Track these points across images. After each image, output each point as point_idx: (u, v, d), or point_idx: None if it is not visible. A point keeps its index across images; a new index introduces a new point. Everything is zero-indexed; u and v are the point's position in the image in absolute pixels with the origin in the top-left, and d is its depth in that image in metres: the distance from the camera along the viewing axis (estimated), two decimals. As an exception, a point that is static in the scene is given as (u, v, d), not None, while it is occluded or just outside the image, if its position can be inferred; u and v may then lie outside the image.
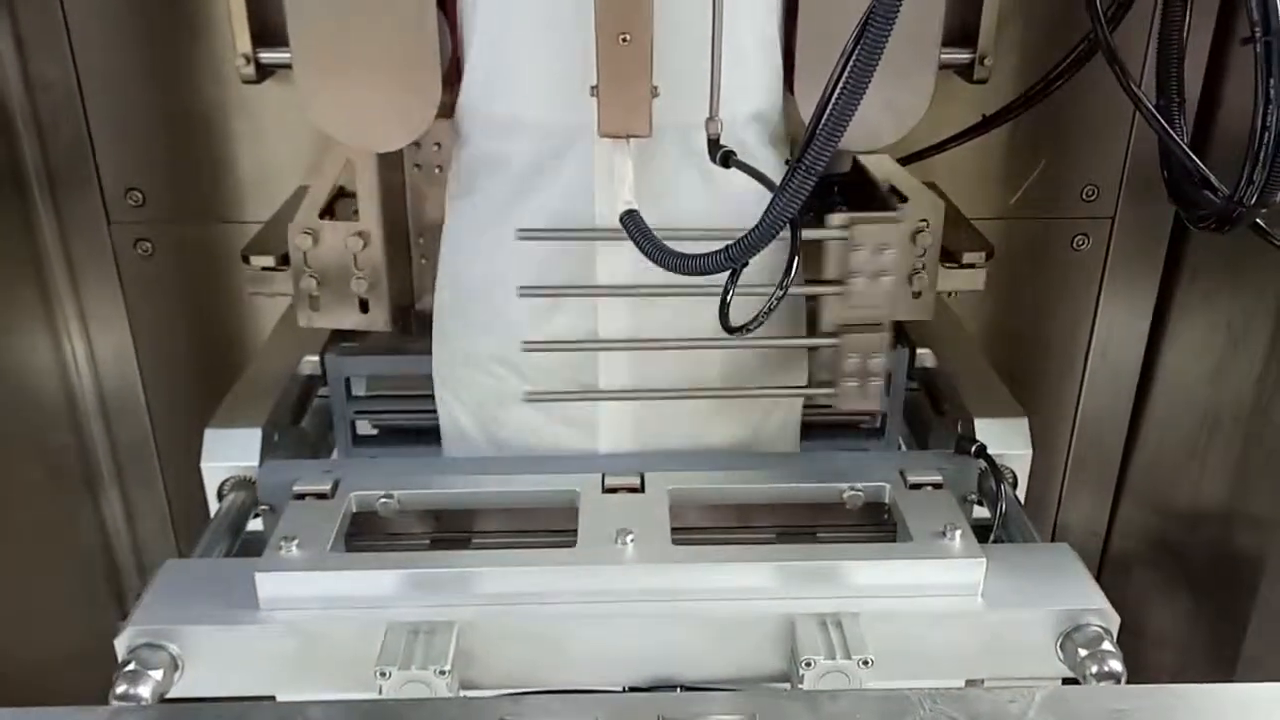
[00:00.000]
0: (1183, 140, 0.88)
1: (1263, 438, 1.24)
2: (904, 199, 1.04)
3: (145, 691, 0.77)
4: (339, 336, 1.19)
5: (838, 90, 0.72)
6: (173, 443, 1.52)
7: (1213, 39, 1.25)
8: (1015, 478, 1.05)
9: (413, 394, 1.12)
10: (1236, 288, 1.30)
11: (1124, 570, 1.56)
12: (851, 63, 0.71)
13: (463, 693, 0.81)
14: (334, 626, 0.81)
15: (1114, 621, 0.82)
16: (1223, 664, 1.30)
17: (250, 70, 1.03)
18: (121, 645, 0.80)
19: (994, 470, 0.98)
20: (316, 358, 1.14)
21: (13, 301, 1.35)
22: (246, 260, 1.10)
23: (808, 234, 0.89)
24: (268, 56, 1.03)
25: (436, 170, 1.12)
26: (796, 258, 0.80)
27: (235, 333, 1.46)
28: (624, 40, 0.80)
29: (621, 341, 0.97)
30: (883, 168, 1.10)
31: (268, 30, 1.00)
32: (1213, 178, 0.87)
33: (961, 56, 1.10)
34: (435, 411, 1.08)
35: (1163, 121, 0.87)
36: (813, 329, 0.99)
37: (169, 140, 1.35)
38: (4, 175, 1.32)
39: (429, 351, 1.06)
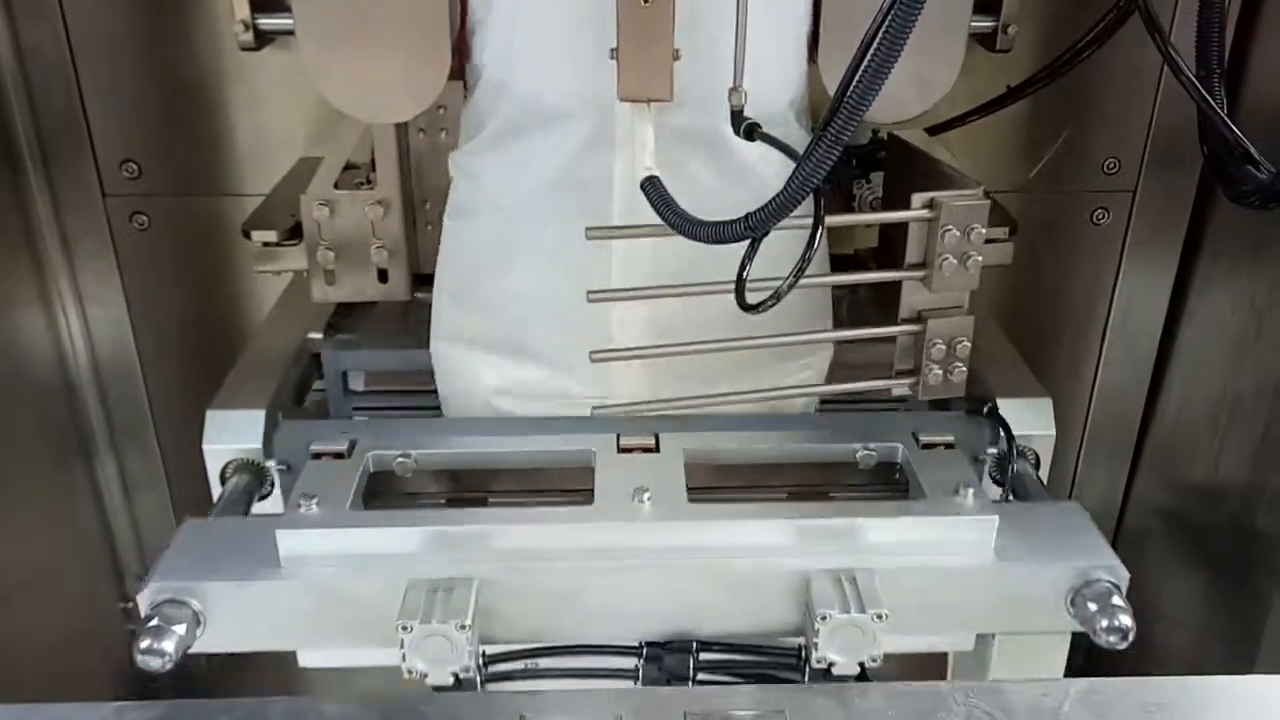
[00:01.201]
0: (1223, 112, 0.84)
1: (1287, 417, 1.22)
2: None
3: (169, 646, 0.77)
4: (342, 312, 1.17)
5: (867, 59, 0.69)
6: (170, 417, 1.49)
7: (1241, 8, 1.21)
8: (1038, 458, 1.03)
9: (411, 389, 1.11)
10: (1260, 263, 1.27)
11: (1139, 547, 1.54)
12: (883, 30, 0.68)
13: (482, 648, 0.81)
14: (354, 583, 0.82)
15: (1123, 577, 0.82)
16: (1240, 646, 1.28)
17: (249, 37, 1.00)
18: (144, 601, 0.80)
19: (1005, 431, 0.97)
20: (320, 335, 1.12)
21: (6, 276, 1.32)
22: (248, 235, 1.08)
23: (890, 216, 0.87)
24: (267, 22, 1.00)
25: (442, 134, 1.09)
26: (820, 229, 0.77)
27: (233, 307, 1.43)
28: (646, 1, 0.77)
29: (678, 345, 0.94)
30: (916, 142, 1.07)
31: (267, -5, 0.97)
32: (1255, 153, 0.84)
33: (985, 25, 1.07)
34: (434, 407, 1.07)
35: (1204, 93, 0.84)
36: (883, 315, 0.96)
37: (165, 110, 1.32)
38: (-3, 147, 1.28)
39: (425, 344, 1.04)
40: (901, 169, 1.08)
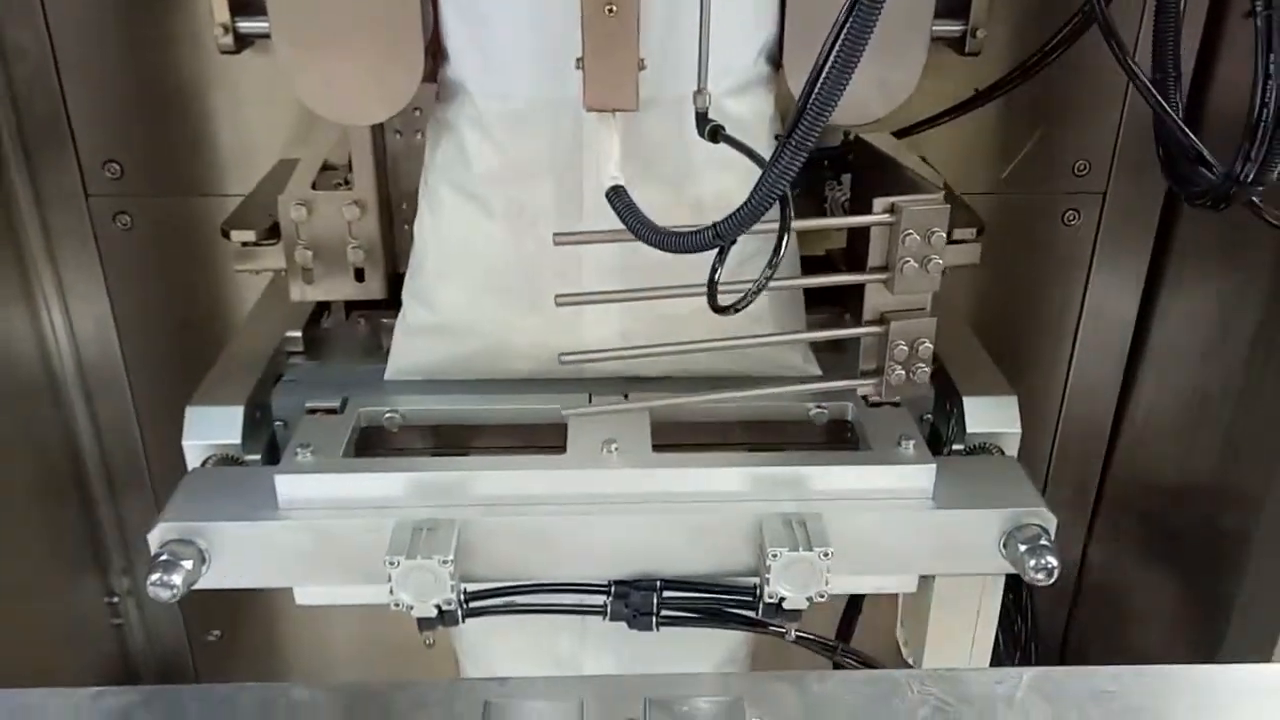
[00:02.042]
0: (1178, 115, 0.86)
1: (1252, 416, 1.23)
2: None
3: (178, 579, 0.85)
4: (321, 310, 1.18)
5: (828, 64, 0.71)
6: (154, 415, 1.50)
7: (1208, 12, 1.23)
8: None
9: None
10: (1228, 265, 1.29)
11: (1111, 545, 1.56)
12: (843, 35, 0.69)
13: (464, 585, 0.88)
14: (346, 524, 0.89)
15: (1051, 522, 0.90)
16: (1206, 643, 1.30)
17: (229, 40, 1.02)
18: (154, 539, 0.87)
19: (949, 389, 1.03)
20: (299, 333, 1.13)
21: (-10, 276, 1.33)
22: (227, 235, 1.09)
23: (852, 221, 0.91)
24: (246, 26, 1.01)
25: (418, 136, 1.10)
26: (786, 235, 0.79)
27: (216, 306, 1.44)
28: (610, 11, 0.78)
29: (648, 348, 0.96)
30: (882, 145, 1.08)
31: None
32: (1207, 154, 0.86)
33: (953, 29, 1.09)
34: None
35: (1158, 96, 0.86)
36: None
37: (147, 111, 1.33)
38: (-22, 147, 1.29)
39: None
40: (867, 172, 1.09)
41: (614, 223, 0.84)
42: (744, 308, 0.80)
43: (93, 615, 1.59)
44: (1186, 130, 0.85)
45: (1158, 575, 1.44)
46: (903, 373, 0.93)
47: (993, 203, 1.39)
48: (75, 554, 1.55)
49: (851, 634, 1.33)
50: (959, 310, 1.24)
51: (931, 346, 0.93)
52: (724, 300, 0.82)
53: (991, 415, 1.04)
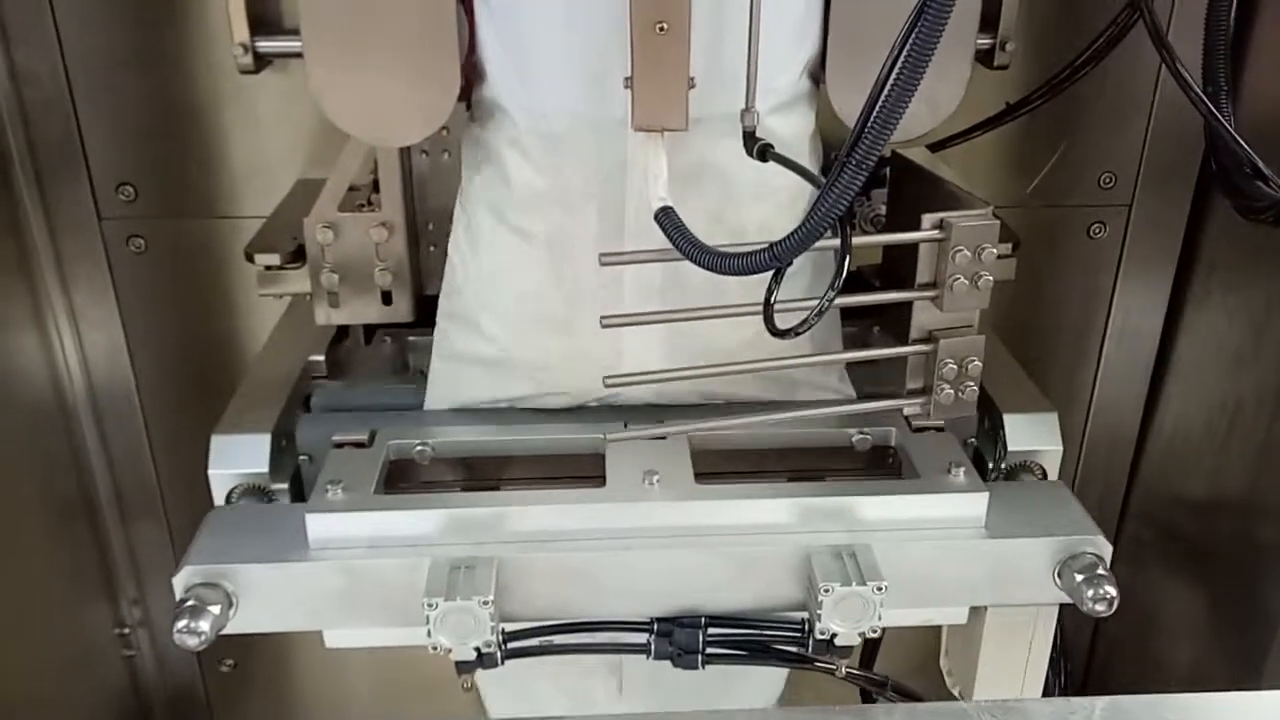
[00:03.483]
0: (1232, 128, 0.85)
1: (1287, 429, 1.22)
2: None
3: (205, 625, 0.82)
4: (343, 332, 1.16)
5: (890, 83, 0.69)
6: (167, 442, 1.48)
7: (1235, 23, 1.22)
8: (1044, 472, 1.04)
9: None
10: (1257, 277, 1.28)
11: (1136, 559, 1.54)
12: (905, 53, 0.68)
13: (502, 625, 0.86)
14: (380, 564, 0.86)
15: (1106, 550, 0.89)
16: (1243, 660, 1.28)
17: (248, 60, 0.99)
18: (179, 584, 0.84)
19: (991, 412, 1.02)
20: (322, 358, 1.11)
21: (1, 299, 1.30)
22: (250, 259, 1.07)
23: (905, 237, 0.88)
24: (266, 46, 0.99)
25: (445, 156, 1.09)
26: (847, 257, 0.77)
27: (231, 331, 1.42)
28: (661, 29, 0.77)
29: (691, 370, 0.94)
30: (919, 160, 1.07)
31: (266, 18, 0.96)
32: (1265, 168, 0.85)
33: (983, 42, 1.07)
34: None
35: (1213, 108, 0.84)
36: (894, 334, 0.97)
37: (161, 133, 1.30)
38: (-11, 169, 1.27)
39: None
40: (907, 187, 1.08)
41: (657, 244, 0.82)
42: (804, 331, 0.79)
43: (103, 646, 1.56)
44: (1244, 144, 0.84)
45: (1187, 590, 1.43)
46: (951, 392, 0.91)
47: (1018, 216, 1.37)
48: (86, 583, 1.52)
49: (874, 662, 1.31)
50: (988, 325, 1.22)
51: (980, 365, 0.91)
52: (782, 324, 0.80)
53: (1032, 433, 1.03)
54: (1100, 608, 0.85)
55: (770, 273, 0.79)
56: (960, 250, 0.85)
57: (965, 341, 0.90)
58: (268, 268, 1.07)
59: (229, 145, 1.32)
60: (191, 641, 0.82)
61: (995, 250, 0.86)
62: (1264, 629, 1.22)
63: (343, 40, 0.85)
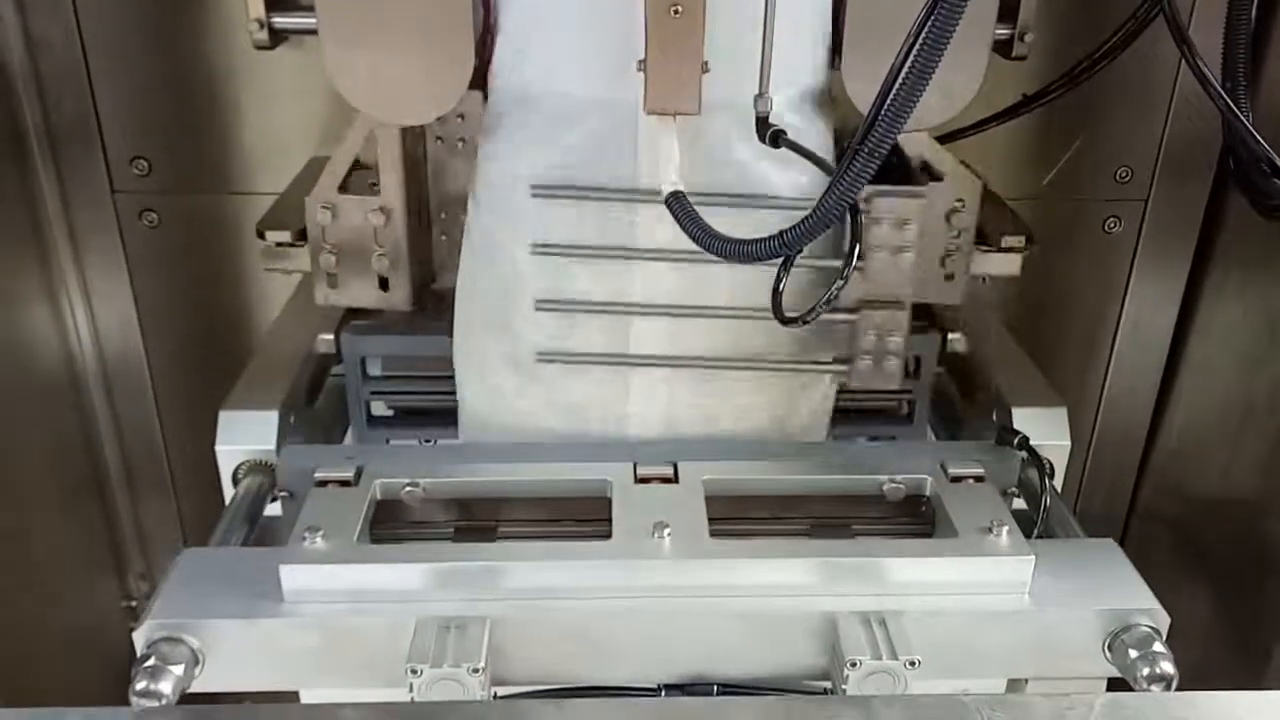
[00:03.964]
0: (1250, 124, 0.84)
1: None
2: (937, 177, 1.01)
3: (166, 688, 0.74)
4: (353, 314, 1.16)
5: (904, 71, 0.68)
6: (177, 416, 1.48)
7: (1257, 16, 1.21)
8: (1053, 468, 1.02)
9: (429, 374, 1.08)
10: (1273, 274, 1.27)
11: (1143, 557, 1.52)
12: (921, 41, 0.67)
13: (495, 690, 0.78)
14: (361, 621, 0.78)
15: (1164, 622, 0.80)
16: (1249, 659, 1.28)
17: (263, 35, 0.99)
18: (140, 639, 0.77)
19: (1038, 464, 0.95)
20: (331, 337, 1.10)
21: (14, 272, 1.31)
22: (262, 235, 1.07)
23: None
24: (282, 21, 0.98)
25: (459, 143, 1.08)
26: (858, 245, 0.77)
27: (242, 307, 1.42)
28: (675, 12, 0.76)
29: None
30: (918, 144, 1.06)
31: (283, -7, 0.96)
32: (1284, 165, 0.84)
33: (1001, 32, 1.06)
34: (452, 393, 1.04)
35: (1231, 104, 0.83)
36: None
37: (176, 107, 1.31)
38: (4, 141, 1.27)
39: (446, 331, 1.02)
40: (894, 173, 1.07)
41: (666, 238, 0.82)
42: (811, 320, 0.78)
43: (110, 620, 1.57)
44: (1261, 141, 0.83)
45: (1193, 590, 1.42)
46: (870, 363, 0.91)
47: (1032, 209, 1.36)
48: (94, 555, 1.53)
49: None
50: (999, 316, 1.22)
51: (901, 340, 0.91)
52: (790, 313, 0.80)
53: (1041, 427, 1.02)
54: (1157, 688, 0.77)
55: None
56: (879, 223, 0.85)
57: (888, 315, 0.90)
58: (277, 244, 1.06)
59: (243, 121, 1.32)
60: (151, 704, 0.74)
61: (916, 227, 0.86)
62: (1271, 629, 1.22)
63: (357, 16, 0.84)
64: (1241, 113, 0.84)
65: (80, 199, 1.34)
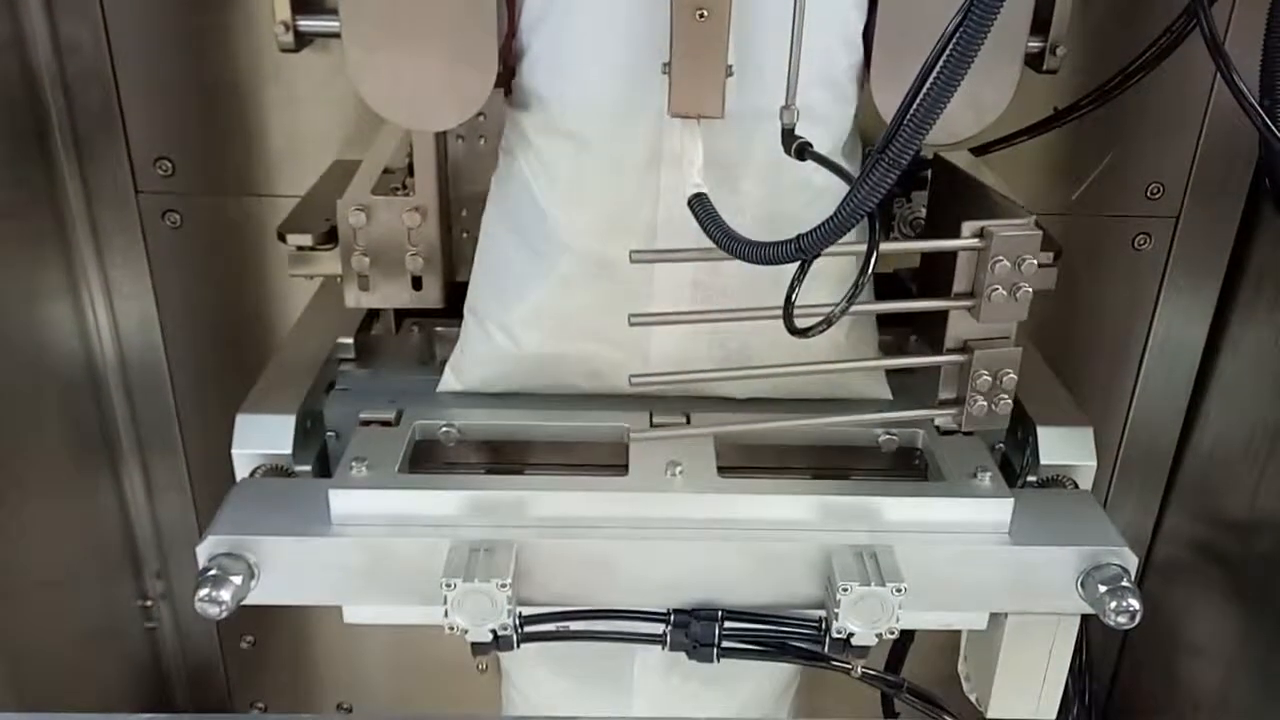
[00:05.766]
0: (1288, 144, 0.83)
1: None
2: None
3: (226, 595, 0.83)
4: (372, 318, 1.16)
5: (930, 80, 0.67)
6: (195, 417, 1.49)
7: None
8: (1078, 487, 1.01)
9: None
10: (1306, 295, 1.25)
11: (1169, 578, 1.52)
12: (948, 52, 0.66)
13: (520, 609, 0.86)
14: (401, 543, 0.87)
15: (1132, 562, 0.87)
16: (1273, 684, 1.26)
17: (289, 38, 0.99)
18: (203, 553, 0.85)
19: (1025, 424, 1.01)
20: (350, 340, 1.11)
21: (37, 271, 1.31)
22: (283, 239, 1.07)
23: (940, 245, 0.86)
24: (307, 24, 0.98)
25: (480, 142, 1.08)
26: (875, 254, 0.75)
27: (262, 308, 1.43)
28: (701, 16, 0.76)
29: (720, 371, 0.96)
30: (961, 164, 1.05)
31: (308, -4, 0.96)
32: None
33: (1033, 46, 1.05)
34: None
35: (1269, 122, 0.82)
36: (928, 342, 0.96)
37: (201, 108, 1.31)
38: (30, 140, 1.27)
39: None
40: (947, 191, 1.06)
41: (687, 237, 0.81)
42: (823, 331, 0.77)
43: (126, 617, 1.57)
44: (1300, 159, 0.81)
45: (1218, 610, 1.40)
46: (985, 404, 0.89)
47: (1061, 224, 1.35)
48: (111, 553, 1.53)
49: (902, 665, 1.30)
50: (1026, 334, 1.20)
51: (1015, 378, 0.89)
52: (801, 323, 0.78)
53: (1066, 447, 1.01)
54: (1122, 620, 0.84)
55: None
56: (1000, 260, 0.82)
57: (1001, 353, 0.87)
58: (300, 248, 1.07)
59: (267, 124, 1.32)
60: (213, 610, 0.83)
61: (1036, 261, 0.83)
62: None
63: (380, 20, 0.84)
64: (1278, 130, 0.82)
65: (104, 199, 1.34)
